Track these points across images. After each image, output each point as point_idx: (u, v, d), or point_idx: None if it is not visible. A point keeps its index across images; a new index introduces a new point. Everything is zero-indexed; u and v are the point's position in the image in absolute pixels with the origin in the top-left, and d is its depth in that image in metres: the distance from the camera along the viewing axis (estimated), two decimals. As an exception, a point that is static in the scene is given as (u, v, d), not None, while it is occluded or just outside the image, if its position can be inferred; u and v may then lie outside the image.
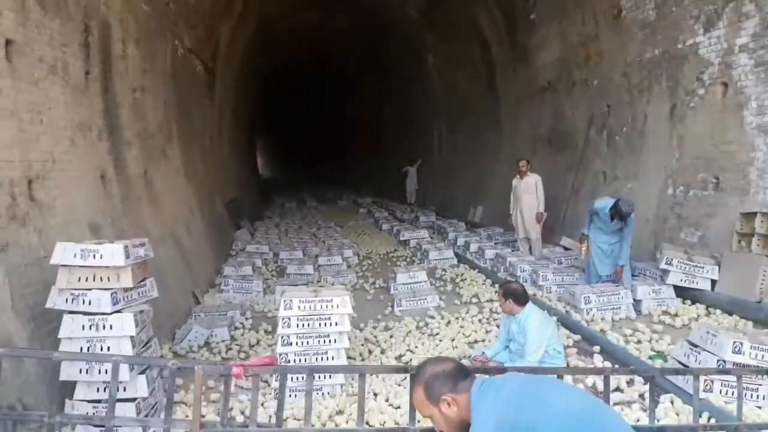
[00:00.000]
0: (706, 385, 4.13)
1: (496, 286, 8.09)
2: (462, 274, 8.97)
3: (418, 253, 10.93)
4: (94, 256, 3.87)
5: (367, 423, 3.71)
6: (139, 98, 7.60)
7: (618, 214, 6.84)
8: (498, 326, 5.93)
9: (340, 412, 4.30)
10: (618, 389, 4.45)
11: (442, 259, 10.00)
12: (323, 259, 10.20)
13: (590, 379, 4.70)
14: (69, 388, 3.95)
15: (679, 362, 4.46)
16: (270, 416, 3.97)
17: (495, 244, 10.33)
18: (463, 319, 6.69)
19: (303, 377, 4.36)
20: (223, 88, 14.75)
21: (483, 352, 5.03)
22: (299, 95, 31.30)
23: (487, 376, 2.04)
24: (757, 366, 4.04)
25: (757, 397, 4.12)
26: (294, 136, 36.80)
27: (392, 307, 7.34)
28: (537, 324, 4.70)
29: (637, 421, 3.94)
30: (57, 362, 3.85)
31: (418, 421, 2.58)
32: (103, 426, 3.64)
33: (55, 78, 5.20)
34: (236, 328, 6.67)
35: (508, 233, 11.05)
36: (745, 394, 4.02)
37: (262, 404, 4.18)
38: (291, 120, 34.28)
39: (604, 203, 7.15)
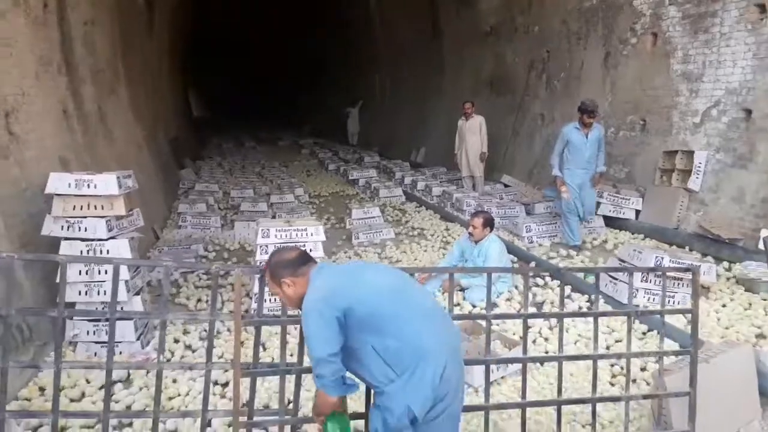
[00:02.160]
0: (634, 294, 4.87)
1: (444, 220, 8.74)
2: (412, 210, 9.54)
3: (367, 192, 11.38)
4: (88, 186, 4.08)
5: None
6: (89, 32, 7.45)
7: (585, 110, 6.73)
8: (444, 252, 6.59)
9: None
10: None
11: (392, 196, 10.51)
12: (275, 197, 10.45)
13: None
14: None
15: (610, 276, 5.20)
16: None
17: (440, 182, 10.90)
18: (417, 245, 7.30)
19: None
20: (162, 23, 14.29)
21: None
22: (235, 34, 30.30)
23: (330, 262, 2.54)
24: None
25: (676, 303, 4.90)
26: (229, 76, 35.76)
27: (350, 239, 7.81)
28: (499, 250, 5.33)
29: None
30: (54, 286, 4.10)
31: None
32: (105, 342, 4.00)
33: (18, 11, 5.15)
34: (202, 260, 6.97)
35: (451, 172, 11.64)
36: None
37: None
38: (226, 59, 33.22)
39: (567, 126, 7.08)
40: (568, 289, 5.45)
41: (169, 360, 4.13)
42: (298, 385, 2.66)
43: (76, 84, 6.64)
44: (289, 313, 2.68)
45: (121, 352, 4.19)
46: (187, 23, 20.04)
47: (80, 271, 4.13)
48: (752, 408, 3.47)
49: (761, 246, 5.64)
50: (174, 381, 3.80)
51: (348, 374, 2.33)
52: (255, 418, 2.60)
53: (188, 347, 4.44)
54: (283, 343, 2.64)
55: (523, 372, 2.93)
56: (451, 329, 2.47)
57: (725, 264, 5.96)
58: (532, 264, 6.25)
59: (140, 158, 9.45)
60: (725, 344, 3.75)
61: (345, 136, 21.59)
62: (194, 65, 27.22)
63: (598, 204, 7.62)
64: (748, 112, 6.44)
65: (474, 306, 5.22)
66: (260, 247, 5.19)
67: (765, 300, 5.05)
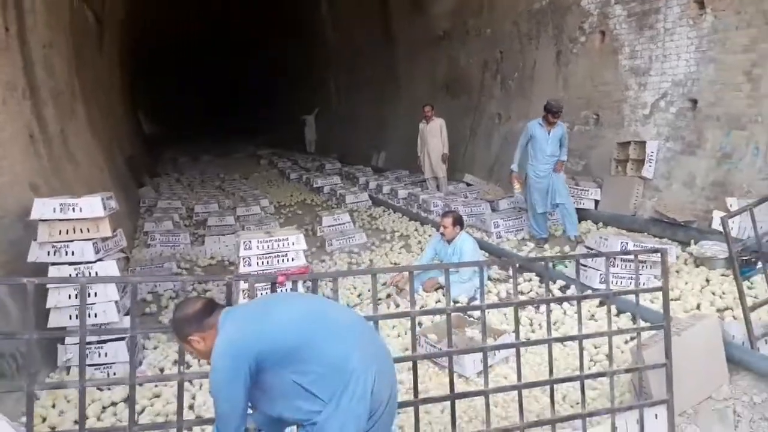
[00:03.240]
0: (602, 278, 5.17)
1: (414, 221, 8.95)
2: (380, 214, 9.72)
3: (333, 198, 11.49)
4: (73, 209, 4.11)
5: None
6: (48, 54, 7.37)
7: (551, 110, 6.98)
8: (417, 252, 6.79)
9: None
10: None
11: (359, 202, 10.65)
12: (241, 210, 10.44)
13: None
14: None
15: (582, 264, 5.49)
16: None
17: (405, 185, 11.12)
18: (391, 249, 7.48)
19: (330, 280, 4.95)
20: (111, 39, 14.10)
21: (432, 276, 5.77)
22: (186, 45, 29.87)
23: (232, 307, 2.45)
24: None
25: (641, 284, 5.21)
26: (181, 89, 35.21)
27: (323, 246, 7.92)
28: (472, 247, 5.56)
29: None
30: (41, 312, 4.11)
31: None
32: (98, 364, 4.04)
33: (-16, 37, 5.11)
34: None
35: (414, 174, 11.87)
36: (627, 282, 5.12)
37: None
38: (176, 72, 32.71)
39: (531, 122, 7.33)
40: (536, 278, 5.76)
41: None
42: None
43: (39, 107, 6.57)
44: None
45: (115, 373, 4.23)
46: (134, 37, 19.74)
47: (70, 295, 4.15)
48: (721, 374, 3.78)
49: (715, 226, 6.07)
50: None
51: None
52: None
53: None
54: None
55: (517, 356, 3.14)
56: (376, 341, 2.42)
57: (681, 245, 6.36)
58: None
59: (102, 179, 9.34)
60: (693, 318, 4.07)
61: (303, 145, 21.56)
62: (143, 79, 26.77)
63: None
64: (694, 102, 6.89)
65: (455, 302, 5.43)
66: (243, 259, 5.28)
67: (722, 275, 5.43)
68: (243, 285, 3.66)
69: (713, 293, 5.08)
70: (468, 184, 10.73)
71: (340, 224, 8.67)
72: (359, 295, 5.77)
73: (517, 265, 3.27)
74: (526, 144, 7.24)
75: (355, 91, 17.98)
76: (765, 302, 4.04)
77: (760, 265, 4.84)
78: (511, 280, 5.74)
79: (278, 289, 2.76)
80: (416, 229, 8.44)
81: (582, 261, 5.57)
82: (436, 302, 5.50)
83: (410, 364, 3.79)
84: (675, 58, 7.10)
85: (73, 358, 4.21)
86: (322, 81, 20.52)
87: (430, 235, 7.99)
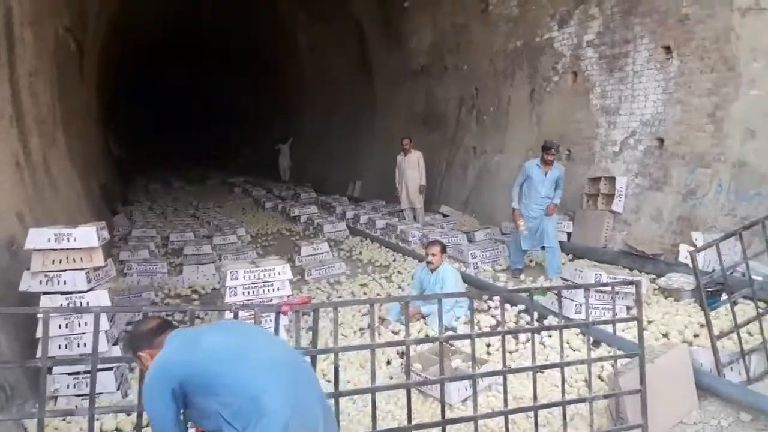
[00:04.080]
0: (577, 308, 5.40)
1: (391, 251, 9.10)
2: (358, 244, 9.86)
3: (310, 228, 11.58)
4: (68, 239, 4.16)
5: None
6: (34, 82, 7.43)
7: (546, 148, 6.99)
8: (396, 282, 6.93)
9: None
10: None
11: (336, 231, 10.77)
12: (218, 239, 10.44)
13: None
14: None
15: (556, 294, 5.72)
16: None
17: (382, 215, 11.29)
18: (372, 280, 7.62)
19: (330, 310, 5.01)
20: (90, 66, 14.11)
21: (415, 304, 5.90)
22: (158, 71, 29.86)
23: (185, 328, 2.66)
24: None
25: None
26: (152, 115, 35.05)
27: (303, 276, 8.00)
28: (455, 276, 5.75)
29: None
30: (32, 341, 4.13)
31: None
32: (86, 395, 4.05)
33: (-25, 67, 5.18)
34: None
35: (390, 204, 12.07)
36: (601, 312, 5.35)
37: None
38: (149, 97, 32.59)
39: (530, 162, 7.34)
40: (516, 309, 5.96)
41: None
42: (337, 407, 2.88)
43: (25, 135, 6.62)
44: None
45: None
46: (111, 64, 19.72)
47: (60, 325, 4.17)
48: (691, 400, 3.99)
49: (682, 259, 6.39)
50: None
51: None
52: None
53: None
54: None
55: (504, 383, 3.31)
56: (301, 378, 2.45)
57: (650, 277, 6.65)
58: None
59: (80, 207, 9.32)
60: (664, 346, 4.30)
61: (276, 173, 21.61)
62: (115, 105, 26.63)
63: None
64: (661, 140, 7.28)
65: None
66: (230, 289, 5.36)
67: (688, 306, 5.71)
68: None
69: (681, 323, 5.34)
70: (444, 215, 10.97)
71: (318, 254, 8.78)
72: (340, 324, 5.87)
73: (505, 297, 3.45)
74: (523, 183, 7.26)
75: (331, 121, 18.22)
76: (730, 332, 4.29)
77: (724, 296, 5.14)
78: (489, 311, 6.02)
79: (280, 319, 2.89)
80: (395, 260, 8.59)
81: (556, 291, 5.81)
82: (418, 331, 5.63)
83: (399, 393, 3.94)
84: (643, 99, 7.51)
85: (60, 388, 4.23)
86: (299, 110, 20.72)
87: (409, 264, 8.17)
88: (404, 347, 3.18)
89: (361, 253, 9.28)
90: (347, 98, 16.82)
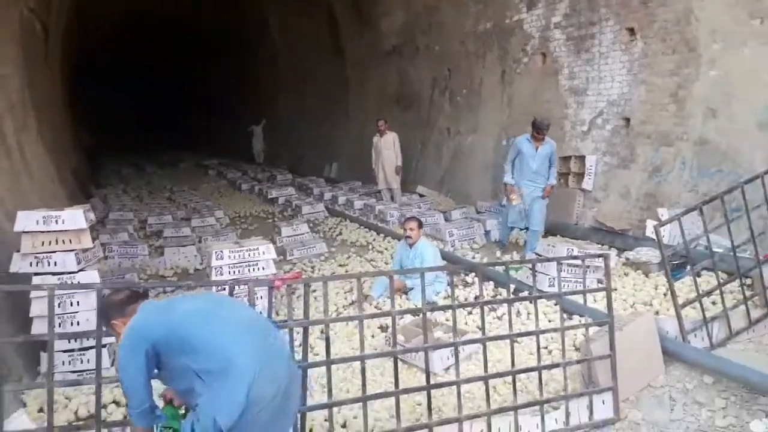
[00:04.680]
0: (550, 282, 5.67)
1: (370, 231, 9.28)
2: (337, 224, 10.02)
3: (288, 209, 11.68)
4: (56, 222, 4.24)
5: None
6: (1, 64, 7.33)
7: (536, 127, 6.92)
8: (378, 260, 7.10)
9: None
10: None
11: (315, 212, 10.89)
12: (196, 221, 10.47)
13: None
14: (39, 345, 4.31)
15: (530, 268, 5.98)
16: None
17: (359, 195, 11.44)
18: (354, 256, 7.83)
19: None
20: (55, 47, 13.82)
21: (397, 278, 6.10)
22: (127, 54, 29.23)
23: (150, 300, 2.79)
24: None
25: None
26: (119, 98, 34.36)
27: (285, 256, 8.13)
28: (433, 251, 5.96)
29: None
30: (21, 321, 4.21)
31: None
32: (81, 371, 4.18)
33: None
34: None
35: (367, 185, 12.22)
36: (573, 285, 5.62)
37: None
38: (116, 81, 31.93)
39: (520, 137, 7.25)
40: (491, 284, 6.22)
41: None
42: (304, 377, 3.08)
43: (-1, 121, 6.57)
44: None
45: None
46: (75, 45, 19.30)
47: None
48: (657, 365, 4.28)
49: (649, 234, 6.70)
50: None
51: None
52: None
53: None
54: (291, 343, 3.06)
55: (484, 351, 3.53)
56: (268, 339, 2.57)
57: (619, 251, 6.96)
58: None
59: (54, 191, 9.25)
60: (632, 315, 4.58)
61: (250, 155, 21.52)
62: (81, 88, 26.07)
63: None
64: (627, 120, 7.56)
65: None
66: (215, 269, 5.49)
67: (657, 278, 6.03)
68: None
69: (648, 295, 5.65)
70: (420, 195, 11.18)
71: (299, 234, 8.91)
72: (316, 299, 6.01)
73: (482, 270, 3.65)
74: (515, 158, 7.21)
75: (305, 103, 18.18)
76: (693, 300, 4.59)
77: (688, 268, 5.46)
78: (467, 286, 6.26)
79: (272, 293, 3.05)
80: (374, 240, 8.77)
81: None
82: (400, 306, 5.83)
83: (384, 364, 4.15)
84: (609, 80, 7.77)
85: (57, 365, 4.32)
86: (271, 92, 20.62)
87: (388, 243, 8.37)
88: (390, 319, 3.36)
89: (341, 233, 9.43)
90: (321, 80, 16.80)
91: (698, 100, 6.67)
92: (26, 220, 4.17)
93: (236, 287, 2.95)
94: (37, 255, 4.23)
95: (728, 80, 6.37)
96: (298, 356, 3.20)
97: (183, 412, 2.73)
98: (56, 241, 4.27)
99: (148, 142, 30.57)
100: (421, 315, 4.22)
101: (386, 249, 8.08)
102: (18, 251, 4.25)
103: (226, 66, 24.08)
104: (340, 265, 7.62)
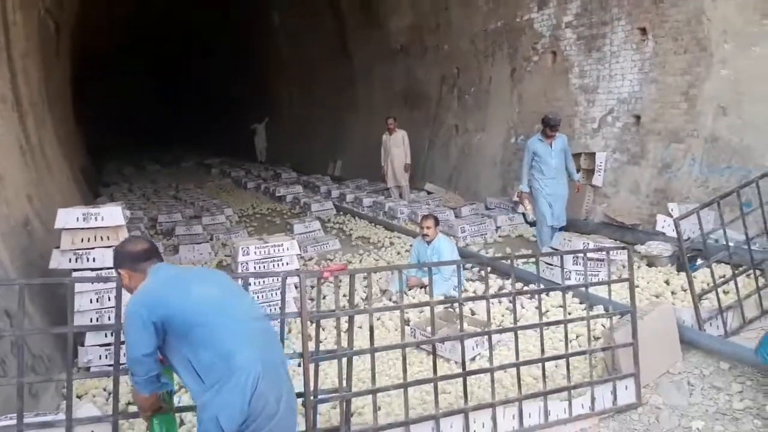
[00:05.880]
0: (566, 274, 5.81)
1: (380, 227, 9.42)
2: (347, 222, 10.15)
3: (296, 207, 11.79)
4: (95, 219, 4.37)
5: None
6: (26, 65, 7.46)
7: (549, 124, 6.85)
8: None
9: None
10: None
11: (324, 210, 11.01)
12: (207, 219, 10.58)
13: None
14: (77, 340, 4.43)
15: (546, 263, 6.14)
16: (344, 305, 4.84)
17: (368, 193, 11.57)
18: (368, 253, 7.98)
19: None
20: (64, 46, 13.92)
21: (415, 274, 6.25)
22: (128, 50, 29.24)
23: (168, 264, 2.66)
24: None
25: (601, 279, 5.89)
26: (121, 95, 34.35)
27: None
28: (450, 247, 6.10)
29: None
30: (56, 315, 4.33)
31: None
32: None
33: (-17, 51, 5.26)
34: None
35: (374, 183, 12.35)
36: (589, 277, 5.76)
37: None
38: (120, 78, 31.93)
39: (530, 139, 7.17)
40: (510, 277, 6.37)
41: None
42: (350, 366, 3.23)
43: (23, 119, 6.68)
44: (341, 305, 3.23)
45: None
46: (82, 43, 19.36)
47: (91, 300, 4.39)
48: (676, 352, 4.44)
49: (659, 228, 6.87)
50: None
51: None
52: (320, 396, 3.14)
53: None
54: (338, 331, 3.21)
55: (516, 339, 3.69)
56: (271, 345, 2.55)
57: (629, 245, 7.11)
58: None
59: (71, 189, 9.38)
60: (650, 305, 4.74)
61: (252, 153, 21.56)
62: (85, 85, 26.08)
63: (518, 203, 8.68)
64: (638, 117, 7.72)
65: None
66: (241, 264, 5.62)
67: (668, 272, 6.19)
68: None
69: (660, 286, 5.81)
70: (429, 192, 11.32)
71: (311, 231, 9.04)
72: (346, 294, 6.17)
73: (515, 263, 3.81)
74: (531, 162, 7.06)
75: (310, 101, 18.27)
76: (709, 291, 4.76)
77: (699, 261, 5.63)
78: (482, 281, 6.41)
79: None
80: (386, 236, 8.89)
81: (547, 260, 6.23)
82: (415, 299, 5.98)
83: (411, 355, 4.29)
84: (620, 78, 7.93)
85: (93, 359, 4.46)
86: (275, 89, 20.68)
87: (398, 239, 8.51)
88: (413, 312, 3.50)
89: (352, 230, 9.56)
90: (326, 78, 16.87)
91: (709, 99, 6.83)
92: (67, 217, 4.30)
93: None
94: (77, 251, 4.36)
95: (739, 79, 6.53)
96: (328, 346, 3.34)
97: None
98: (95, 237, 4.40)
99: (148, 141, 30.62)
100: (445, 307, 4.38)
101: (402, 246, 8.20)
102: (57, 248, 4.37)
103: (231, 64, 24.11)
104: (349, 262, 7.72)
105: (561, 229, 7.14)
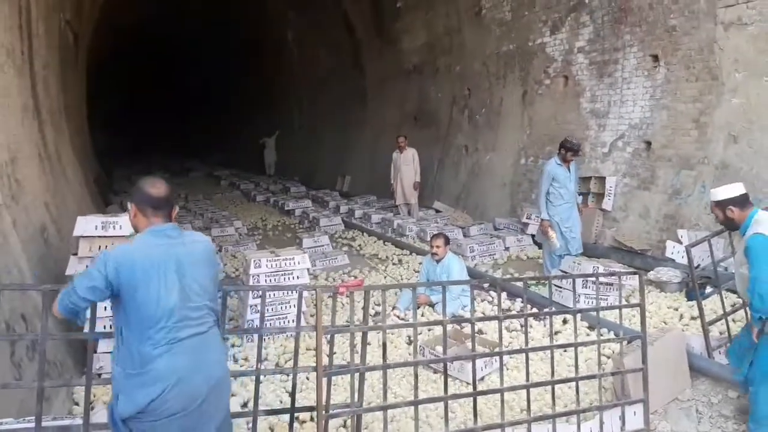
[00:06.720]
0: (578, 298, 5.82)
1: (389, 244, 9.46)
2: (355, 237, 10.20)
3: (305, 221, 11.86)
4: (113, 227, 4.43)
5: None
6: (46, 75, 7.59)
7: (569, 149, 6.78)
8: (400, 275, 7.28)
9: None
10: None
11: (332, 225, 11.08)
12: (216, 231, 10.66)
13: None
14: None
15: (556, 285, 6.16)
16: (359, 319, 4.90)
17: (376, 209, 11.64)
18: (375, 269, 8.00)
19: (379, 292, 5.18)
20: (81, 58, 14.15)
21: (424, 292, 6.28)
22: (138, 59, 29.61)
23: (161, 226, 2.54)
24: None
25: (609, 304, 5.91)
26: (131, 103, 34.69)
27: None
28: (460, 266, 6.14)
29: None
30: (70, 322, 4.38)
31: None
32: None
33: (10, 62, 5.37)
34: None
35: (382, 200, 12.43)
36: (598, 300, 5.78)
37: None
38: (128, 86, 32.29)
39: (549, 165, 6.99)
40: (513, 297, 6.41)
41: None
42: (362, 381, 3.26)
43: (42, 127, 6.78)
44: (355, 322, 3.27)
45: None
46: (97, 52, 19.67)
47: (105, 307, 4.42)
48: (685, 379, 4.45)
49: (668, 254, 6.89)
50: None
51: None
52: (332, 411, 3.17)
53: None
54: (352, 346, 3.24)
55: (526, 360, 3.71)
56: (204, 346, 2.52)
57: (638, 271, 7.13)
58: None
59: (85, 197, 9.46)
60: (660, 330, 4.75)
61: (261, 166, 21.71)
62: (97, 92, 26.39)
63: (527, 225, 8.73)
64: (648, 143, 7.78)
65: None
66: (252, 276, 5.67)
67: (676, 299, 6.20)
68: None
69: (668, 312, 5.82)
70: (437, 211, 11.38)
71: (320, 246, 9.10)
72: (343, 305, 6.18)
73: (527, 285, 3.84)
74: (548, 189, 6.88)
75: (320, 116, 18.42)
76: (719, 319, 4.77)
77: (708, 289, 5.64)
78: (493, 300, 6.43)
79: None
80: (394, 253, 8.93)
81: (557, 283, 6.26)
82: (427, 318, 6.00)
83: (420, 374, 4.30)
84: (631, 104, 8.00)
85: (105, 366, 4.49)
86: (286, 104, 20.87)
87: (406, 256, 8.55)
88: (417, 331, 3.52)
89: (361, 246, 9.60)
90: (338, 93, 17.03)
91: (720, 126, 6.89)
92: (86, 224, 4.37)
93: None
94: (93, 259, 4.41)
95: (750, 108, 6.59)
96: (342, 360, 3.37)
97: None
98: (112, 245, 4.45)
99: (156, 152, 30.85)
100: (453, 326, 4.39)
101: (412, 262, 8.23)
102: (74, 254, 4.43)
103: (241, 78, 24.37)
104: (354, 277, 7.76)
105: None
